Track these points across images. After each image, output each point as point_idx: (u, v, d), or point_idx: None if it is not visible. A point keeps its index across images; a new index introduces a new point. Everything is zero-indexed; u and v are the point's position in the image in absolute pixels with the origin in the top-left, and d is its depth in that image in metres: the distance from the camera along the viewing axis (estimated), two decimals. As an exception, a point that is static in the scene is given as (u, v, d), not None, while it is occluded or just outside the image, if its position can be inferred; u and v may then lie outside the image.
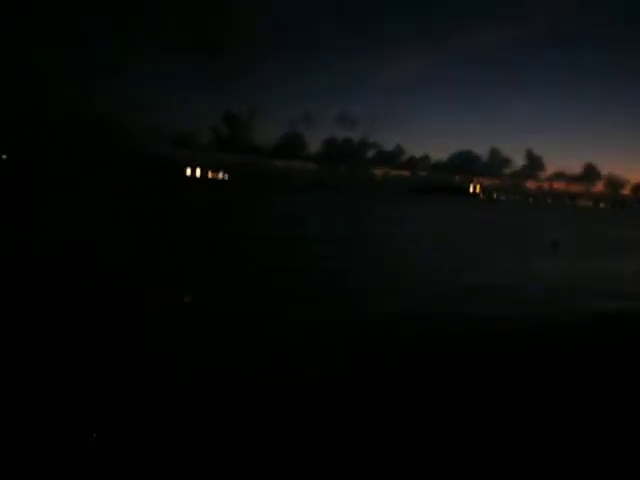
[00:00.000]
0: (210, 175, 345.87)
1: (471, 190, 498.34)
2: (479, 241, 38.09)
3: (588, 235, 53.16)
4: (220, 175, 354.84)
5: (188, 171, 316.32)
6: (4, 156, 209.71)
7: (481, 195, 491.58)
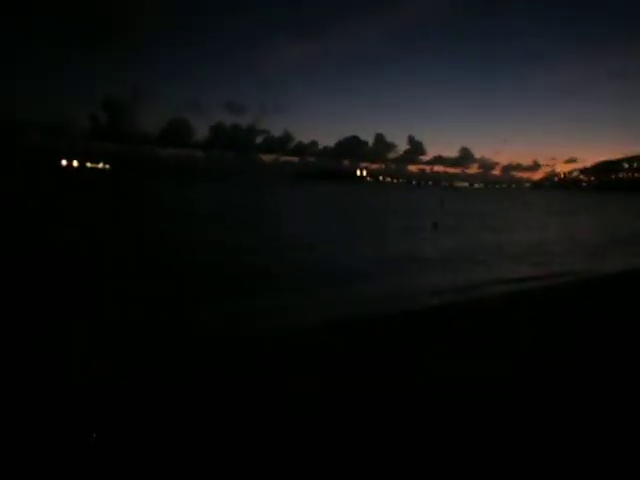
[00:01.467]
0: (89, 165, 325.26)
1: (358, 174, 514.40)
2: (363, 222, 39.51)
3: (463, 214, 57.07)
4: (100, 165, 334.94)
5: (64, 162, 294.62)
6: None
7: (368, 179, 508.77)
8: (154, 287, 13.06)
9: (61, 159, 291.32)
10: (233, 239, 24.14)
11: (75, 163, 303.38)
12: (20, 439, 4.61)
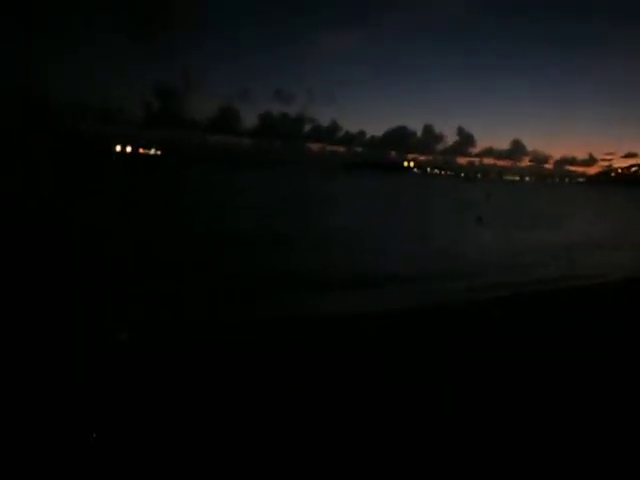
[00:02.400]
0: (142, 151, 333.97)
1: (405, 165, 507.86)
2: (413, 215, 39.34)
3: (513, 208, 55.87)
4: (152, 151, 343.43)
5: (118, 148, 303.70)
6: None
7: (415, 170, 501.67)
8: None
9: (115, 145, 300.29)
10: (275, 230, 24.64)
11: (128, 149, 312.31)
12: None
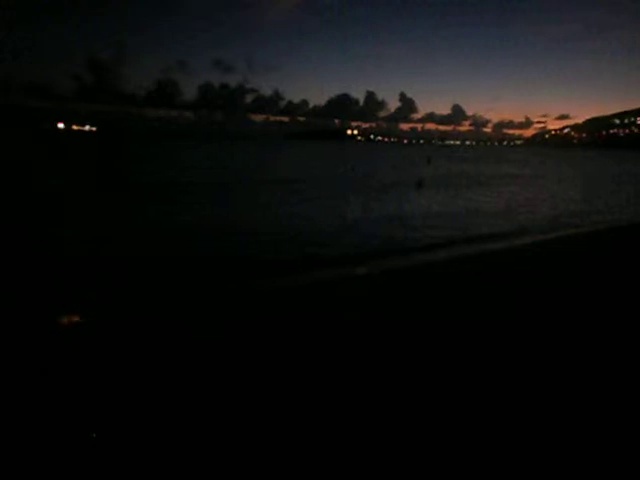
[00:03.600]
0: (75, 128, 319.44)
1: (349, 133, 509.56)
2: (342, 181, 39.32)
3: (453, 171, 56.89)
4: (87, 127, 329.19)
5: (48, 124, 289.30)
6: None
7: (359, 138, 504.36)
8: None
9: (45, 121, 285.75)
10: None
11: (61, 125, 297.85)
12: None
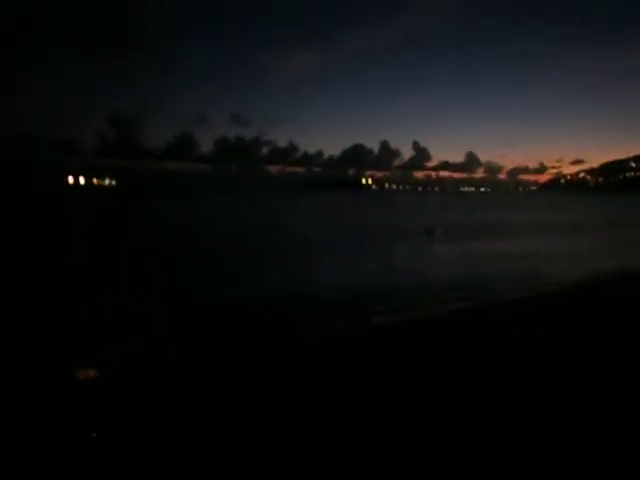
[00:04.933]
0: (96, 182, 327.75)
1: (364, 182, 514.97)
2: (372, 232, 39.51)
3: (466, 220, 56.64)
4: (107, 182, 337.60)
5: (71, 179, 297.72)
6: None
7: (373, 187, 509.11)
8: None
9: (68, 176, 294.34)
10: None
11: (82, 180, 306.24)
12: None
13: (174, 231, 37.33)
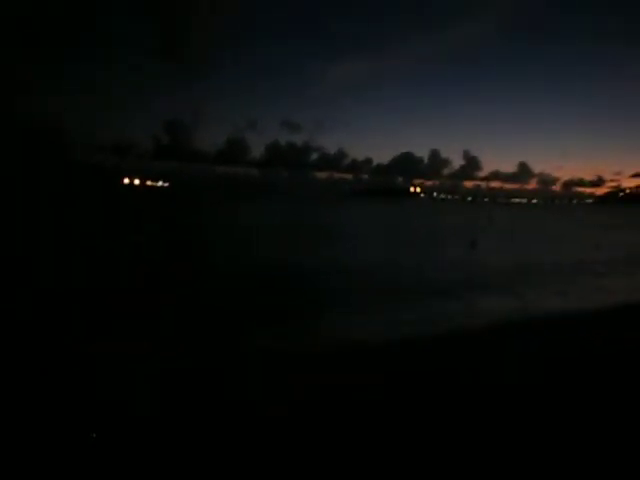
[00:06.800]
0: (149, 183, 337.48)
1: (412, 190, 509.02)
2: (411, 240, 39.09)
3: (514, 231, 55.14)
4: (159, 183, 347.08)
5: (126, 180, 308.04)
6: None
7: (422, 195, 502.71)
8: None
9: (123, 178, 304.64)
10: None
11: (136, 181, 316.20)
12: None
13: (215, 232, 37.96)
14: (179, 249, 27.94)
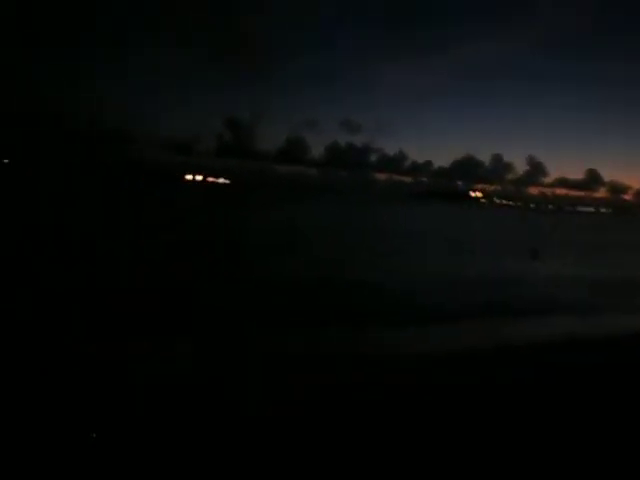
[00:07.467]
0: (210, 180, 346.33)
1: (472, 195, 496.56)
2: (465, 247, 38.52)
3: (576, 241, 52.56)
4: (221, 180, 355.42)
5: (189, 177, 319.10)
6: (5, 160, 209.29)
7: (482, 200, 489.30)
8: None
9: (186, 174, 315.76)
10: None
11: (199, 178, 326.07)
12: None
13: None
14: (225, 250, 28.27)
